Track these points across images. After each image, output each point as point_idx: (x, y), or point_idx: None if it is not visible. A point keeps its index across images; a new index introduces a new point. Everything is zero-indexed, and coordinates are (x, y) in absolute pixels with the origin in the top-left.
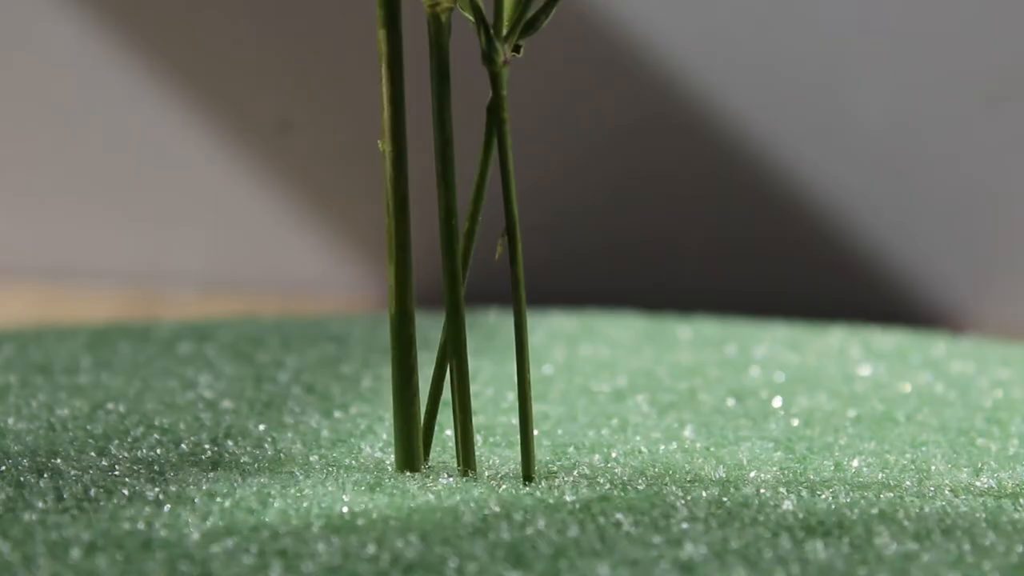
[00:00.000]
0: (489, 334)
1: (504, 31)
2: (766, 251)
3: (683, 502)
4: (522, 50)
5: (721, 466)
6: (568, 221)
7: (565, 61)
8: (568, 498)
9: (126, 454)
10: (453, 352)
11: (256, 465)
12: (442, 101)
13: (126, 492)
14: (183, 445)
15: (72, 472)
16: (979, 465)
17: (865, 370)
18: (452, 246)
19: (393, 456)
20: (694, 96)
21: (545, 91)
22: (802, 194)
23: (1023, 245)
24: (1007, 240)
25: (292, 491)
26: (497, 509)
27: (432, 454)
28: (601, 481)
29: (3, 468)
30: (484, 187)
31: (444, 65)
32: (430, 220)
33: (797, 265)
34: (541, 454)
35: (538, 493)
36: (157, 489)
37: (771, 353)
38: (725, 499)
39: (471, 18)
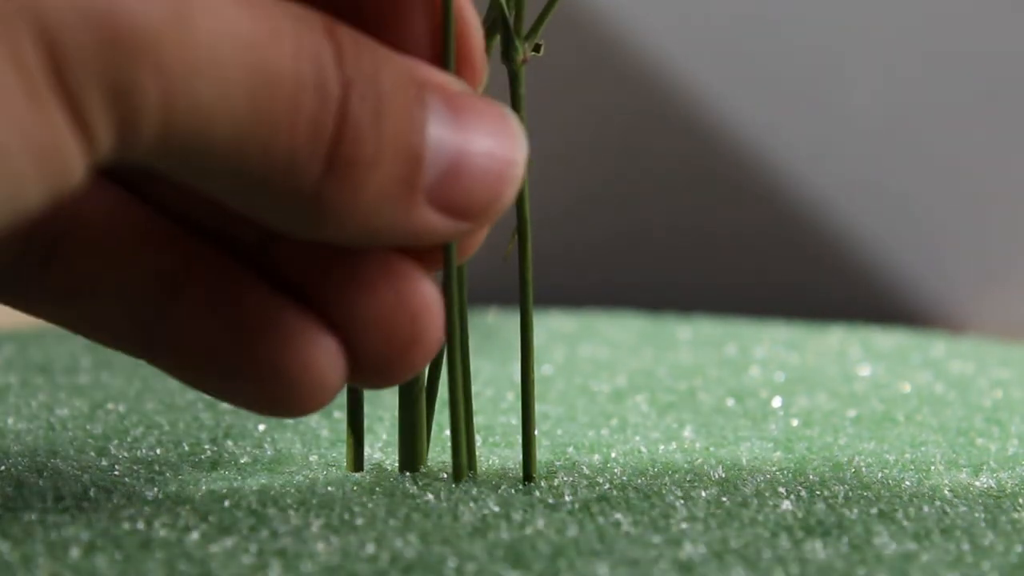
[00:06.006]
0: (488, 334)
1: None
2: (766, 251)
3: (682, 502)
4: (542, 48)
5: (720, 466)
6: (567, 221)
7: (562, 58)
8: (567, 498)
9: (126, 454)
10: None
11: (256, 465)
12: None
13: (125, 492)
14: (183, 445)
15: (71, 472)
16: (979, 465)
17: (865, 370)
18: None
19: (393, 456)
20: (693, 95)
21: (542, 89)
22: (802, 194)
23: (1023, 246)
24: (1007, 240)
25: (292, 491)
26: (496, 509)
27: (431, 454)
28: (600, 481)
29: (2, 468)
30: None
31: None
32: None
33: (797, 265)
34: (540, 454)
35: (537, 493)
36: (156, 489)
37: (771, 353)
38: (724, 499)
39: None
